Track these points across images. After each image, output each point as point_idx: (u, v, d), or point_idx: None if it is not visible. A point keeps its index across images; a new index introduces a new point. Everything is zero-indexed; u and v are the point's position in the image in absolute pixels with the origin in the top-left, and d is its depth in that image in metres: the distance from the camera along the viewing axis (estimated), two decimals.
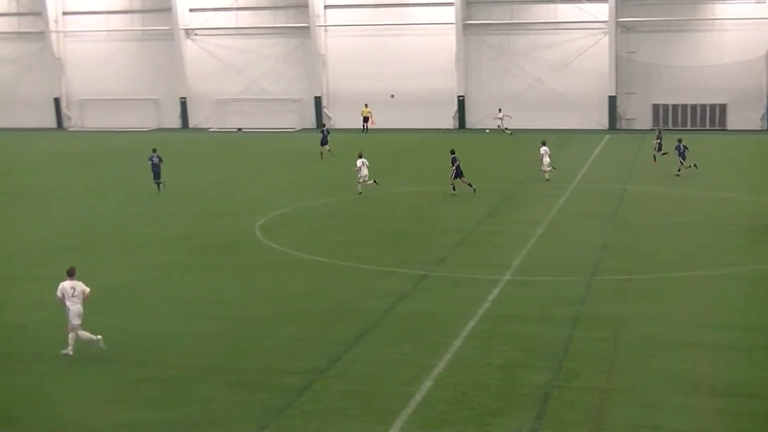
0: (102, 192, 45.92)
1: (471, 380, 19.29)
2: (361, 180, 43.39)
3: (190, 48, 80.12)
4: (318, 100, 77.86)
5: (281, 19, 78.35)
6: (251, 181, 48.50)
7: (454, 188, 42.37)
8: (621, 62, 72.55)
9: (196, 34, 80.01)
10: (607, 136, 67.64)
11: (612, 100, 72.74)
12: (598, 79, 73.07)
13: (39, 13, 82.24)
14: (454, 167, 42.31)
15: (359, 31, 77.13)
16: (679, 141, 47.55)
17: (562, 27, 73.52)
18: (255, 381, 19.49)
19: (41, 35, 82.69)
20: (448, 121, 75.94)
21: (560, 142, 61.74)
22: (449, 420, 17.34)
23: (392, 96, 76.93)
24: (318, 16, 76.78)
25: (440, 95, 76.06)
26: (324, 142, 57.77)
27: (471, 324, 23.05)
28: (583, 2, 72.46)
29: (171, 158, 55.73)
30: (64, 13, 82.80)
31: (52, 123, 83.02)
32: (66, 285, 21.07)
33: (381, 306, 24.82)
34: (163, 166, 44.99)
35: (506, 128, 70.19)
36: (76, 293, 20.97)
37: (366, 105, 75.12)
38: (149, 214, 39.69)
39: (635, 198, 41.55)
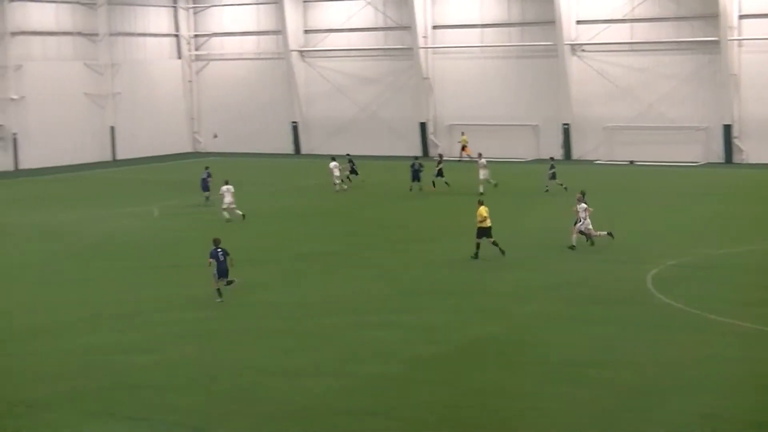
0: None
1: None
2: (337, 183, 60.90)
3: (575, 66, 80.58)
4: (727, 129, 75.79)
5: (685, 32, 77.07)
6: (642, 224, 47.92)
7: None
8: None
9: (583, 50, 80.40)
10: None
11: None
12: None
13: (407, 28, 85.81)
14: None
15: None
16: None
17: None
18: None
19: (408, 52, 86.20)
20: None
21: None
22: None
23: None
24: (731, 27, 74.79)
25: None
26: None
27: None
28: None
29: (550, 195, 56.34)
30: (434, 27, 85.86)
31: (418, 151, 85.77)
32: None
33: None
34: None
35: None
36: None
37: (462, 133, 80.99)
38: (518, 258, 40.38)
39: None
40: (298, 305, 33.11)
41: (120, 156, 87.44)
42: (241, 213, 51.11)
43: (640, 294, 33.64)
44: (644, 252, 40.84)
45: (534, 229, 46.92)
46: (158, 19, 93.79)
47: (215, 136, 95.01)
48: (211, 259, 33.11)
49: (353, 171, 64.68)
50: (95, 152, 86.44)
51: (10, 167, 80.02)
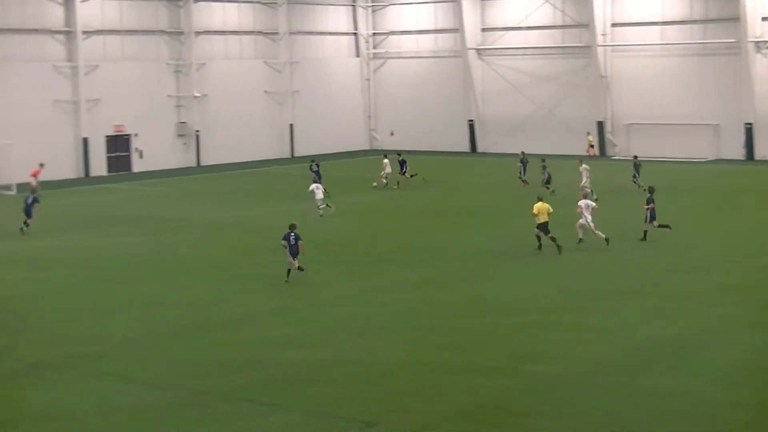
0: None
1: None
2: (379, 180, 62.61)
3: (759, 64, 78.43)
4: None
5: None
6: None
7: None
8: None
9: None
10: None
11: None
12: None
13: (585, 26, 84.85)
14: None
15: None
16: None
17: None
18: None
19: (586, 50, 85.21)
20: None
21: None
22: None
23: None
24: None
25: None
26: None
27: None
28: None
29: (731, 195, 55.05)
30: (613, 25, 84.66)
31: (596, 149, 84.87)
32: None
33: None
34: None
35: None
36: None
37: (588, 133, 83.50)
38: (692, 259, 39.76)
39: None
40: (467, 303, 33.03)
41: (298, 153, 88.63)
42: (332, 207, 52.35)
43: None
44: None
45: (718, 229, 46.01)
46: (337, 18, 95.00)
47: (392, 134, 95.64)
48: (283, 241, 35.83)
49: (403, 172, 64.38)
50: (274, 149, 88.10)
51: (193, 163, 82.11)
